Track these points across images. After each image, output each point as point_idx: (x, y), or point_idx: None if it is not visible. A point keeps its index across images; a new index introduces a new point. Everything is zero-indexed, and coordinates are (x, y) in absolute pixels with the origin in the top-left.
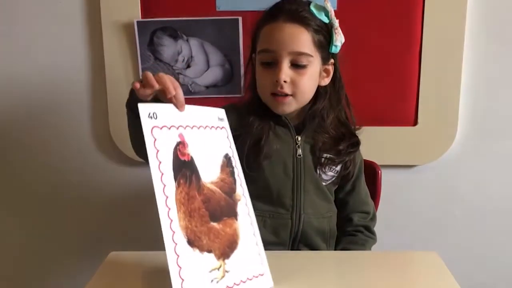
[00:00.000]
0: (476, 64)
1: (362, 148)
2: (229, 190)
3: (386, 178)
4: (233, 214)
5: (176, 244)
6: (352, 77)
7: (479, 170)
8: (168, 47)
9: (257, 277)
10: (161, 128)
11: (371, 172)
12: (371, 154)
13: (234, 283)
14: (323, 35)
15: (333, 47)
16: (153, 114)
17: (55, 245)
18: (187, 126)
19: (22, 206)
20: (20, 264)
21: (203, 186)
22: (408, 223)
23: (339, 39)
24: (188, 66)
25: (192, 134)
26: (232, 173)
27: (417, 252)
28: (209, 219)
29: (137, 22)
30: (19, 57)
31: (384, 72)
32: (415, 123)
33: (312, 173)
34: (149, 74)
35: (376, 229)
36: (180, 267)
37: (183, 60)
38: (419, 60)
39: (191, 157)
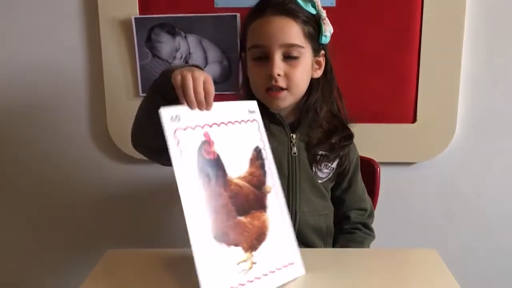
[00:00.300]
0: (475, 61)
1: (361, 145)
2: (258, 183)
3: (385, 176)
4: (262, 207)
5: (202, 239)
6: (350, 74)
7: (478, 167)
8: (166, 44)
9: (286, 266)
10: (184, 129)
11: (370, 169)
12: (370, 151)
13: (263, 274)
14: (312, 26)
15: (323, 38)
16: (176, 117)
17: (52, 242)
18: (213, 124)
19: (19, 204)
20: (17, 262)
21: (229, 182)
22: (406, 220)
23: (328, 29)
24: (186, 63)
25: (219, 131)
26: (262, 166)
27: (416, 249)
28: (236, 213)
29: (135, 18)
30: (16, 54)
31: (383, 69)
32: (414, 120)
33: (307, 171)
34: (189, 85)
35: (375, 226)
36: (207, 261)
37: (181, 57)
38: (418, 57)
39: (218, 155)
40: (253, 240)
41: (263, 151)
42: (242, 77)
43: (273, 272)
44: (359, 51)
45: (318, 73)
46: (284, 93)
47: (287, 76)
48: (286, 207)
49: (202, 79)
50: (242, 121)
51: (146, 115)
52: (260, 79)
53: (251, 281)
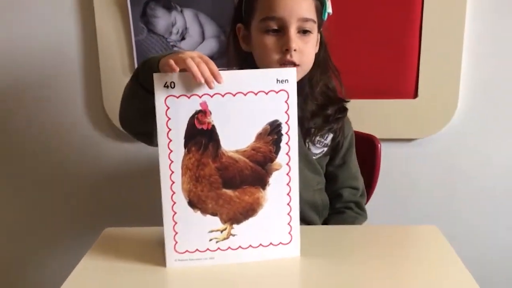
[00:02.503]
0: (477, 35)
1: (362, 121)
2: (263, 159)
3: (386, 152)
4: (259, 183)
5: (174, 202)
6: (351, 49)
7: (480, 143)
8: (161, 19)
9: (276, 245)
10: (177, 97)
11: (371, 146)
12: (371, 127)
13: (240, 247)
14: (319, 0)
15: (326, 14)
16: (170, 84)
17: (49, 221)
18: (216, 94)
19: (15, 182)
20: (14, 240)
21: (221, 154)
22: (407, 197)
23: (329, 5)
24: (183, 38)
25: (222, 102)
26: (275, 142)
27: (417, 226)
28: (221, 185)
29: None
30: (8, 30)
31: (384, 44)
32: (415, 95)
33: (300, 145)
34: (171, 61)
35: (375, 203)
36: (176, 222)
37: (178, 32)
38: (420, 32)
39: (212, 126)
40: (237, 213)
41: (283, 126)
42: (234, 52)
43: (256, 247)
44: (360, 26)
45: (316, 49)
46: (298, 69)
47: (300, 52)
48: (297, 187)
49: (195, 53)
50: (262, 91)
51: (129, 104)
52: (274, 53)
53: (224, 250)
